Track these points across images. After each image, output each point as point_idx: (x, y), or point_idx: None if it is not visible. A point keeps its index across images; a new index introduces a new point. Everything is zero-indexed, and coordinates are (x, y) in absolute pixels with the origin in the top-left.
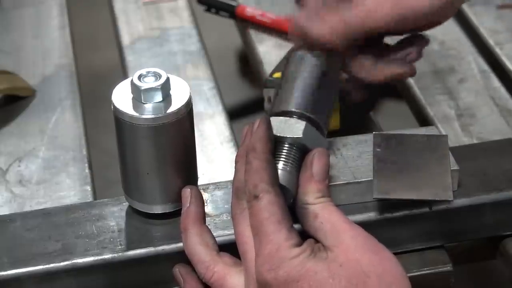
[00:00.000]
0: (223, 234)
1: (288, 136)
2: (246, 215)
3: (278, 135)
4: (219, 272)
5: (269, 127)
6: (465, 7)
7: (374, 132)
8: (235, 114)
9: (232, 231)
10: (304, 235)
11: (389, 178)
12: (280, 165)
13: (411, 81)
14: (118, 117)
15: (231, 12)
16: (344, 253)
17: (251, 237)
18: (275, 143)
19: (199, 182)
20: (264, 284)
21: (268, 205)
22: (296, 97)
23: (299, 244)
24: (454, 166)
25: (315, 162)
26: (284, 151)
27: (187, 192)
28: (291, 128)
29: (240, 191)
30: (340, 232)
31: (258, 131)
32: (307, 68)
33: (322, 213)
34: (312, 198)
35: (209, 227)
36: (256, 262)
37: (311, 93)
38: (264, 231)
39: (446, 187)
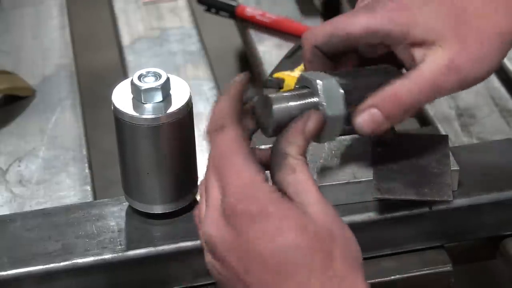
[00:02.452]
0: None
1: (311, 78)
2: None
3: (306, 76)
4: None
5: (246, 83)
6: None
7: None
8: None
9: None
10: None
11: (389, 178)
12: (285, 93)
13: None
14: (118, 117)
15: (231, 12)
16: (317, 212)
17: (213, 172)
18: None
19: (199, 182)
20: (234, 217)
21: (236, 137)
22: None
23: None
24: (454, 166)
25: (312, 121)
26: (297, 88)
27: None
28: (319, 76)
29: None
30: (312, 193)
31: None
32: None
33: (301, 170)
34: (295, 151)
35: None
36: (226, 192)
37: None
38: (234, 162)
39: (446, 187)
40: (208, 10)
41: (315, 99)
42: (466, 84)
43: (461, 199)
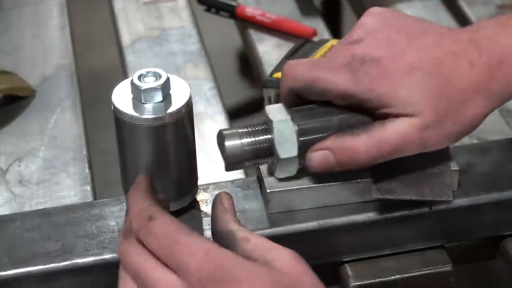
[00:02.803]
0: None
1: (269, 117)
2: (141, 248)
3: (267, 112)
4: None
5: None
6: (465, 7)
7: None
8: (235, 114)
9: None
10: None
11: (389, 178)
12: (240, 130)
13: None
14: (118, 117)
15: (231, 12)
16: (285, 266)
17: (156, 263)
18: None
19: (199, 182)
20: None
21: (171, 221)
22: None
23: None
24: (454, 166)
25: (226, 200)
26: (258, 124)
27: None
28: (279, 115)
29: (127, 231)
30: (274, 249)
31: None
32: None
33: (252, 237)
34: (236, 226)
35: (209, 227)
36: (189, 272)
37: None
38: (184, 242)
39: (446, 187)
40: (208, 10)
41: (269, 136)
42: (426, 150)
43: (461, 199)
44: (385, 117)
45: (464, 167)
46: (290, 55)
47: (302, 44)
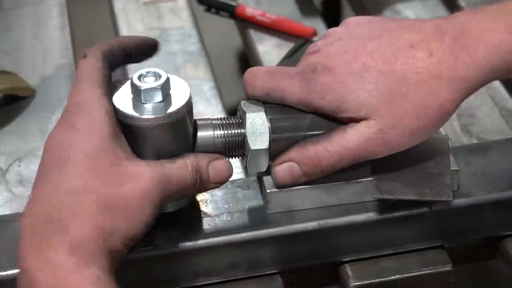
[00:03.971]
0: (224, 234)
1: (244, 109)
2: None
3: (242, 105)
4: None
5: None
6: (465, 7)
7: None
8: (235, 114)
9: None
10: None
11: (389, 178)
12: (214, 121)
13: None
14: (118, 117)
15: (231, 12)
16: None
17: None
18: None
19: None
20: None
21: (90, 64)
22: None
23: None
24: (454, 166)
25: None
26: (233, 117)
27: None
28: (253, 108)
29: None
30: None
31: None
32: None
33: None
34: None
35: (209, 227)
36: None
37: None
38: (80, 88)
39: (446, 187)
40: (208, 10)
41: (242, 130)
42: (394, 150)
43: (461, 199)
44: (346, 122)
45: (464, 167)
46: (290, 55)
47: (302, 44)
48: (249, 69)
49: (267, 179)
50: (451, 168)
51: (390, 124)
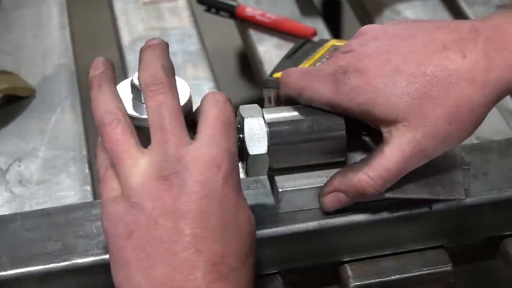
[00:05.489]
0: None
1: (242, 115)
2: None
3: (240, 110)
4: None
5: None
6: (465, 7)
7: None
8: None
9: None
10: None
11: (401, 178)
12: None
13: None
14: None
15: (231, 12)
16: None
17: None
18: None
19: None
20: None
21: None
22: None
23: None
24: (465, 165)
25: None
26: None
27: (100, 59)
28: (252, 113)
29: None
30: None
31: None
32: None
33: None
34: None
35: None
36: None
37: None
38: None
39: (458, 185)
40: (208, 10)
41: (240, 135)
42: (430, 158)
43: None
44: (376, 126)
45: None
46: (290, 55)
47: (302, 44)
48: (287, 69)
49: (278, 179)
50: (462, 167)
51: (422, 131)
